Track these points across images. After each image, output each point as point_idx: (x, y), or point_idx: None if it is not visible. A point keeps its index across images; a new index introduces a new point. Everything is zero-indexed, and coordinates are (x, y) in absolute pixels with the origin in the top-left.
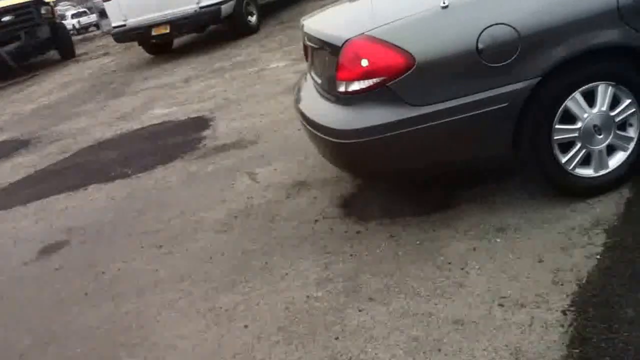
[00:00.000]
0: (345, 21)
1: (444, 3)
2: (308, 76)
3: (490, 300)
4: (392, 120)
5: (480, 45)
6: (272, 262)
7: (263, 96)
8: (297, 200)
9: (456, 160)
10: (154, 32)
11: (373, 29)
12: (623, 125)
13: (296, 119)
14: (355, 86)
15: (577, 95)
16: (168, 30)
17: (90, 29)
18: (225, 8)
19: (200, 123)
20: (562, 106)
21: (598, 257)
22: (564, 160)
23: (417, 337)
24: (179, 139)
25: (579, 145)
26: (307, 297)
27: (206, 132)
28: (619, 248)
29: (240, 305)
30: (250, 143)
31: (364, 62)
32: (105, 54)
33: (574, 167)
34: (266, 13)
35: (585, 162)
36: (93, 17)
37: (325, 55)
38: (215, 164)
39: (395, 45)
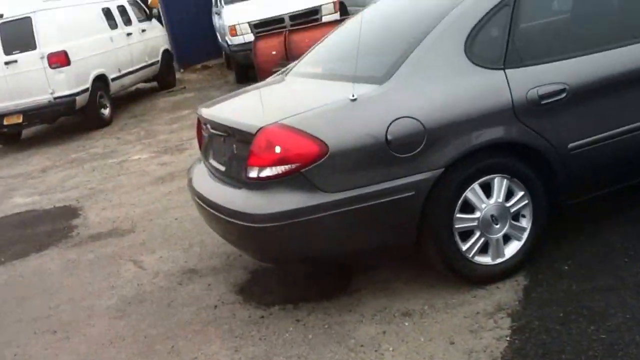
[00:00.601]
0: (255, 110)
1: (352, 96)
2: (201, 164)
3: None
4: (304, 205)
5: (389, 137)
6: (179, 346)
7: (130, 187)
8: (190, 287)
9: (365, 247)
10: (5, 122)
11: (286, 118)
12: (517, 216)
13: (172, 208)
14: (268, 172)
15: (475, 186)
16: (21, 120)
17: None
18: (80, 99)
19: (69, 212)
20: (463, 197)
21: (508, 339)
22: (464, 248)
23: None
24: (48, 227)
25: (478, 234)
26: None
27: (77, 221)
28: (527, 330)
29: None
30: (127, 232)
31: (278, 149)
32: None
33: (473, 255)
34: (117, 106)
35: (484, 250)
36: None
37: (233, 143)
38: (94, 251)
39: (309, 134)
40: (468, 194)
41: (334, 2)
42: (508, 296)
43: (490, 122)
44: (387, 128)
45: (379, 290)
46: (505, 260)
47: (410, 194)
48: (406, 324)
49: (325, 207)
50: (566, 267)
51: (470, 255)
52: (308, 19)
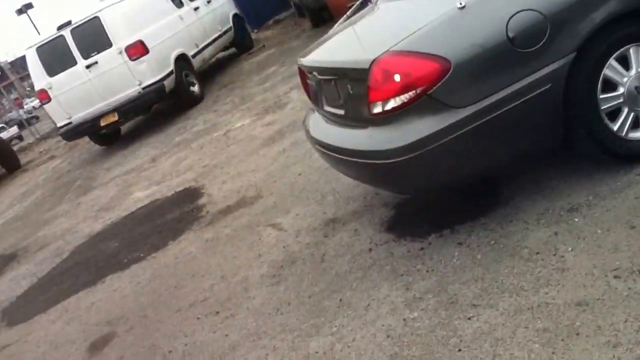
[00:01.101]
0: (360, 44)
1: (460, 4)
2: (315, 113)
3: (602, 275)
4: (442, 127)
5: (511, 34)
6: (346, 297)
7: (243, 154)
8: (338, 237)
9: (510, 156)
10: (102, 123)
11: (397, 43)
12: None
13: (292, 165)
14: (392, 104)
15: (612, 62)
16: (117, 118)
17: (13, 142)
18: (168, 83)
19: (191, 194)
20: (601, 76)
21: None
22: (615, 128)
23: (546, 328)
24: (176, 213)
25: (626, 110)
26: (404, 320)
27: (202, 200)
28: None
29: (336, 345)
30: (255, 198)
31: (397, 78)
32: (52, 157)
33: (627, 133)
34: (205, 81)
35: (635, 125)
36: (13, 130)
37: (347, 84)
38: (229, 226)
39: (426, 54)
40: (606, 71)
41: None
42: None
43: None
44: (506, 26)
45: (534, 193)
46: None
47: (547, 87)
48: (576, 219)
49: (462, 123)
50: None
51: (624, 134)
52: None
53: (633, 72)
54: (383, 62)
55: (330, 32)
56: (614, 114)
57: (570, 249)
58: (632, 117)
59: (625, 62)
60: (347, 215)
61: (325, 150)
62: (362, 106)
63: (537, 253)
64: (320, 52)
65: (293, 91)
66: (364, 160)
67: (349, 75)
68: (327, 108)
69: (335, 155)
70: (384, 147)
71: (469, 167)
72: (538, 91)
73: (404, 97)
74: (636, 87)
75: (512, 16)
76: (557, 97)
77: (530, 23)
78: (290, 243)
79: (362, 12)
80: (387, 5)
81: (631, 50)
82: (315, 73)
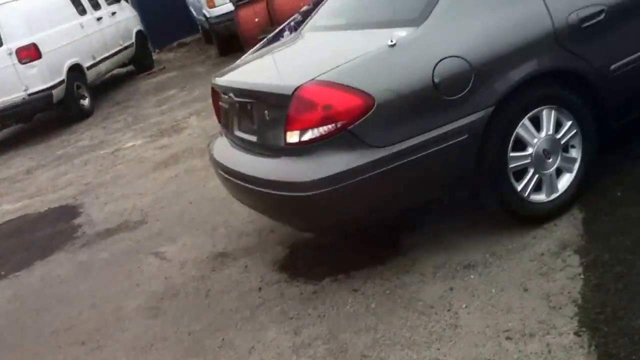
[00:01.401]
0: (284, 70)
1: (391, 41)
2: (222, 138)
3: (494, 336)
4: (356, 165)
5: (436, 79)
6: (230, 337)
7: (131, 176)
8: (226, 272)
9: (420, 201)
10: None
11: (324, 73)
12: (566, 147)
13: (184, 192)
14: (310, 135)
15: (525, 121)
16: None
17: None
18: (57, 92)
19: (68, 211)
20: (514, 134)
21: (582, 276)
22: (519, 187)
23: None
24: (47, 231)
25: (531, 171)
26: None
27: (79, 220)
28: (599, 265)
29: None
30: (139, 223)
31: (319, 108)
32: None
33: (529, 194)
34: (97, 96)
35: (537, 188)
36: None
37: (264, 109)
38: (106, 249)
39: (352, 87)
40: (519, 130)
41: None
42: (569, 232)
43: (534, 51)
44: (433, 70)
45: (433, 246)
46: (559, 195)
47: (464, 137)
48: (472, 276)
49: (378, 163)
50: (619, 194)
51: (526, 195)
52: None
53: (543, 134)
54: (307, 90)
55: (250, 56)
56: (520, 173)
57: (464, 305)
58: (536, 179)
59: (536, 123)
60: (238, 251)
61: (229, 177)
62: (277, 134)
63: (432, 307)
64: (240, 73)
65: (193, 117)
66: (274, 191)
67: (268, 100)
68: (238, 133)
69: (241, 183)
70: (297, 179)
71: (379, 208)
72: (454, 141)
73: (323, 129)
74: (544, 150)
75: (440, 61)
76: (472, 149)
77: (457, 71)
78: (173, 274)
79: (285, 39)
80: (315, 35)
81: (544, 112)
82: (231, 94)
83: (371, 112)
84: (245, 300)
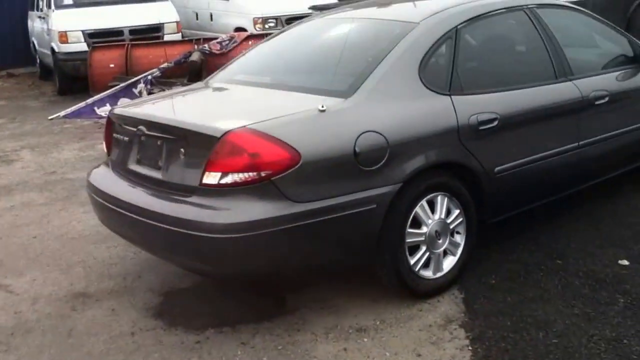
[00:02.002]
0: (210, 112)
1: (322, 107)
2: (106, 170)
3: None
4: (273, 215)
5: (357, 149)
6: None
7: None
8: (90, 313)
9: (326, 261)
10: None
11: (256, 123)
12: (452, 232)
13: (24, 225)
14: (230, 179)
15: (424, 202)
16: None
17: None
18: None
19: None
20: (413, 212)
21: (469, 348)
22: (412, 262)
23: None
24: None
25: (424, 248)
26: None
27: None
28: (484, 339)
29: None
30: None
31: (247, 155)
32: None
33: (419, 269)
34: None
35: (425, 265)
36: None
37: (180, 146)
38: None
39: (282, 141)
40: (418, 209)
41: (176, 22)
42: (452, 309)
43: (440, 142)
44: (356, 141)
45: (322, 309)
46: (444, 275)
47: (372, 206)
48: (365, 340)
49: (293, 217)
50: (493, 281)
51: (417, 269)
52: (149, 35)
53: (436, 216)
54: (236, 135)
55: (163, 94)
56: (412, 249)
57: None
58: (427, 257)
59: (432, 206)
60: (102, 293)
61: (116, 209)
62: (190, 173)
63: None
64: (156, 107)
65: (25, 150)
66: (178, 229)
67: (189, 138)
68: (135, 167)
69: (133, 217)
70: (209, 220)
71: (286, 263)
72: (365, 208)
73: (245, 176)
74: (436, 231)
75: (362, 133)
76: (378, 219)
77: (375, 145)
78: (24, 310)
79: (194, 86)
80: (237, 88)
81: (439, 198)
82: (141, 127)
83: (296, 167)
84: (116, 344)
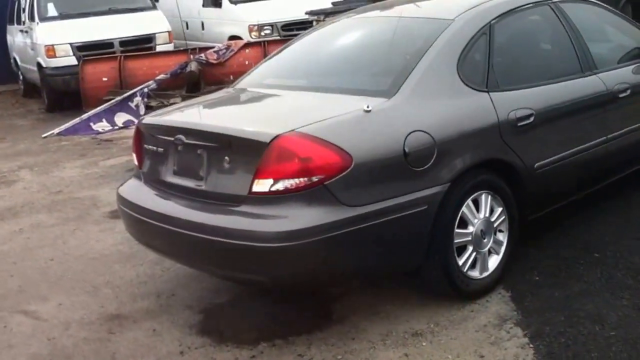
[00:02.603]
0: (253, 117)
1: (367, 107)
2: (136, 183)
3: None
4: (328, 221)
5: (407, 149)
6: None
7: None
8: (130, 335)
9: (382, 265)
10: None
11: (304, 126)
12: (496, 231)
13: (38, 248)
14: (281, 185)
15: (469, 201)
16: None
17: None
18: None
19: None
20: (460, 212)
21: (531, 346)
22: (460, 262)
23: None
24: None
25: (471, 248)
26: None
27: None
28: (544, 336)
29: None
30: None
31: (298, 160)
32: None
33: (467, 270)
34: None
35: (472, 265)
36: None
37: (226, 155)
38: None
39: (333, 144)
40: (464, 209)
41: (168, 32)
42: (502, 308)
43: (483, 140)
44: (405, 141)
45: (372, 315)
46: (490, 274)
47: (424, 207)
48: (424, 344)
49: (347, 222)
50: (537, 278)
51: (465, 270)
52: (141, 46)
53: (482, 215)
54: (288, 139)
55: (199, 100)
56: (460, 250)
57: None
58: (474, 257)
59: (477, 206)
60: (137, 313)
61: (158, 223)
62: (237, 182)
63: None
64: (195, 114)
65: (24, 170)
66: (231, 241)
67: (234, 145)
68: (171, 179)
69: (177, 230)
70: (263, 229)
71: (344, 267)
72: (416, 209)
73: (297, 181)
74: (481, 231)
75: (410, 133)
76: (429, 220)
77: (423, 145)
78: (56, 336)
79: (225, 92)
80: (271, 92)
81: (483, 196)
82: (180, 136)
83: (348, 170)
84: None
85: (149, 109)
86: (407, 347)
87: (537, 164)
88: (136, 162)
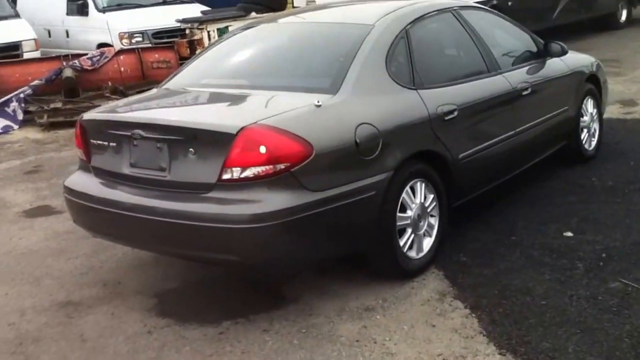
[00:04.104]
0: (216, 111)
1: (317, 102)
2: (84, 175)
3: (432, 359)
4: (295, 204)
5: (357, 140)
6: None
7: None
8: (90, 318)
9: (335, 247)
10: None
11: (267, 118)
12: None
13: None
14: (249, 172)
15: (408, 188)
16: None
17: None
18: None
19: None
20: (401, 197)
21: (474, 315)
22: (401, 244)
23: None
24: None
25: (409, 231)
26: None
27: None
28: (482, 307)
29: None
30: None
31: (263, 149)
32: None
33: (407, 251)
34: None
35: (409, 247)
36: None
37: (190, 147)
38: None
39: (295, 134)
40: (404, 195)
41: (34, 39)
42: (439, 284)
43: (418, 132)
44: (355, 132)
45: (321, 295)
46: (424, 254)
47: (372, 193)
48: (377, 317)
49: (311, 205)
50: (464, 259)
51: (405, 251)
52: (7, 54)
53: (418, 201)
54: (252, 131)
55: (135, 98)
56: (400, 232)
57: (387, 338)
58: (413, 239)
59: (413, 192)
60: (88, 300)
61: (122, 212)
62: (203, 170)
63: (357, 340)
64: (150, 110)
65: None
66: (204, 224)
67: (199, 138)
68: (129, 171)
69: (145, 217)
70: (240, 212)
71: (307, 249)
72: (367, 195)
73: (264, 169)
74: (418, 215)
75: (359, 125)
76: (377, 204)
77: (371, 136)
78: (15, 321)
79: (164, 92)
80: (216, 90)
81: (419, 184)
82: (139, 131)
83: (310, 158)
84: (138, 343)
85: (27, 113)
86: (363, 320)
87: (460, 155)
88: (83, 157)
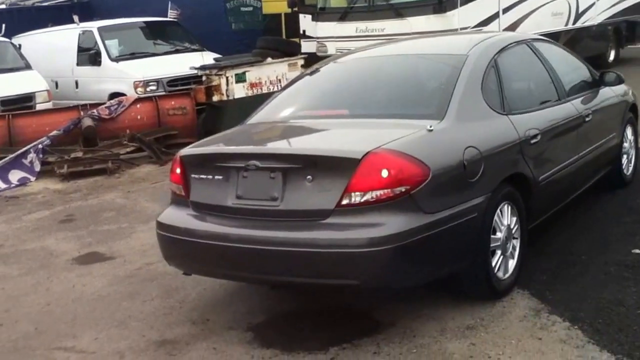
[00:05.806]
0: (332, 139)
1: (430, 127)
2: (188, 211)
3: None
4: (415, 226)
5: (465, 162)
6: None
7: None
8: (194, 354)
9: (445, 267)
10: None
11: (388, 143)
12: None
13: (23, 296)
14: (371, 196)
15: (499, 210)
16: None
17: None
18: None
19: None
20: (494, 219)
21: (575, 327)
22: (494, 264)
23: None
24: None
25: (499, 252)
26: None
27: None
28: (581, 319)
29: None
30: None
31: (384, 173)
32: None
33: (497, 272)
34: None
35: (498, 268)
36: None
37: (308, 174)
38: None
39: (414, 157)
40: (496, 217)
41: (47, 91)
42: (529, 302)
43: (511, 155)
44: (463, 154)
45: (416, 318)
46: (509, 275)
47: (475, 214)
48: (482, 334)
49: (427, 227)
50: (544, 277)
51: (496, 271)
52: (21, 105)
53: (506, 223)
54: (377, 156)
55: (229, 132)
56: (491, 254)
57: (500, 352)
58: (502, 260)
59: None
60: (184, 338)
61: (232, 244)
62: (320, 197)
63: (471, 357)
64: (259, 141)
65: None
66: (323, 250)
67: (320, 164)
68: (234, 203)
69: (259, 247)
70: (361, 236)
71: (425, 269)
72: (471, 216)
73: (385, 192)
74: (505, 237)
75: (466, 148)
76: (477, 226)
77: (475, 158)
78: None
79: (264, 126)
80: (319, 121)
81: (506, 206)
82: (254, 161)
83: (427, 181)
84: None
85: (45, 164)
86: (468, 338)
87: (541, 177)
88: (182, 192)
